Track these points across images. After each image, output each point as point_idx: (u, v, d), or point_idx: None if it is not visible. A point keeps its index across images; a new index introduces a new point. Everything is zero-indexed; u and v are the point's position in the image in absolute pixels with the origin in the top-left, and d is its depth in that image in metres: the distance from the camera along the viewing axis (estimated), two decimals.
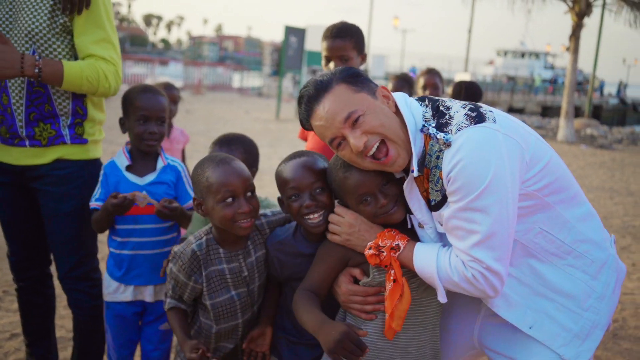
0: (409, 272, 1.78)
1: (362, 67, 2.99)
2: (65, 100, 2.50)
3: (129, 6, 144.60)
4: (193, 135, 4.23)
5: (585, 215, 1.77)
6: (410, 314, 1.80)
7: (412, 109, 1.74)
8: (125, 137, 2.59)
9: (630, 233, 7.13)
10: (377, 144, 1.67)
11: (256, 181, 1.99)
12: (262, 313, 2.10)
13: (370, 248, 1.76)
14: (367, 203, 1.79)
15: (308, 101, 1.72)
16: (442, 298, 1.74)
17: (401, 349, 1.85)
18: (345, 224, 1.83)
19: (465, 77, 19.00)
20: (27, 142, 2.49)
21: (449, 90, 4.67)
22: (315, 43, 16.99)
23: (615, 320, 4.37)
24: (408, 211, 1.82)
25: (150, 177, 2.51)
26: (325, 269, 1.89)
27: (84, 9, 2.41)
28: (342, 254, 1.87)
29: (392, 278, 1.75)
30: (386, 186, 1.78)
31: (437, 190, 1.69)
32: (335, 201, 1.93)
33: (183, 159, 4.15)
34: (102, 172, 2.52)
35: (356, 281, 1.87)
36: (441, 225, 1.73)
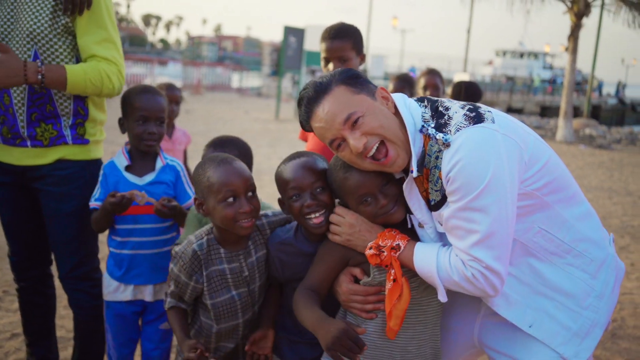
0: (410, 272, 1.79)
1: (361, 68, 3.00)
2: (66, 101, 2.51)
3: (128, 6, 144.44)
4: (192, 135, 4.22)
5: (584, 214, 1.78)
6: (410, 313, 1.81)
7: (411, 110, 1.75)
8: (125, 138, 2.60)
9: (629, 233, 7.14)
10: (377, 144, 1.68)
11: (255, 181, 1.99)
12: (264, 315, 2.10)
13: (370, 248, 1.77)
14: (367, 203, 1.80)
15: (308, 103, 1.73)
16: (442, 297, 1.74)
17: (401, 347, 1.86)
18: (346, 224, 1.84)
19: (465, 77, 19.01)
20: (28, 143, 2.50)
21: (448, 90, 4.68)
22: (314, 43, 16.97)
23: (614, 320, 4.38)
24: (408, 211, 1.83)
25: (149, 177, 2.52)
26: (325, 268, 1.89)
27: (85, 9, 2.42)
28: (343, 253, 1.88)
29: (392, 278, 1.76)
30: (386, 186, 1.79)
31: (436, 190, 1.70)
32: (336, 201, 1.94)
33: (185, 160, 4.13)
34: (101, 172, 2.53)
35: (357, 280, 1.88)
36: (441, 225, 1.74)
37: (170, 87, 4.05)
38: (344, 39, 2.71)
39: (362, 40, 2.81)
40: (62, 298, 3.27)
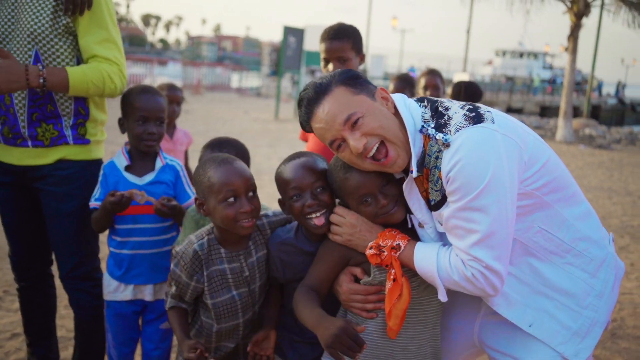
0: (410, 271, 1.80)
1: (360, 68, 3.00)
2: (67, 101, 2.51)
3: (128, 6, 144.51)
4: (192, 135, 4.21)
5: (584, 213, 1.79)
6: (410, 313, 1.82)
7: (411, 110, 1.76)
8: (125, 138, 2.61)
9: (629, 233, 7.14)
10: (377, 145, 1.69)
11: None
12: (266, 316, 2.10)
13: (371, 248, 1.78)
14: (367, 204, 1.80)
15: (308, 104, 1.74)
16: (442, 297, 1.75)
17: (402, 347, 1.87)
18: (346, 224, 1.85)
19: (464, 77, 19.02)
20: (29, 143, 2.50)
21: (448, 90, 4.68)
22: (314, 43, 16.99)
23: (614, 320, 4.39)
24: (408, 211, 1.83)
25: (149, 177, 2.52)
26: (325, 268, 1.90)
27: (85, 9, 2.42)
28: (343, 253, 1.88)
29: (392, 277, 1.77)
30: (386, 187, 1.79)
31: (436, 190, 1.70)
32: (336, 202, 1.95)
33: (186, 160, 4.12)
34: (101, 172, 2.54)
35: (357, 280, 1.89)
36: (441, 224, 1.74)
37: (171, 88, 4.05)
38: (344, 40, 2.72)
39: (361, 41, 2.82)
40: (62, 298, 3.27)
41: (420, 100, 1.80)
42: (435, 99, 1.80)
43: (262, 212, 2.07)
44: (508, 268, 1.69)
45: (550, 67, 69.68)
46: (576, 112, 25.82)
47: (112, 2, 2.57)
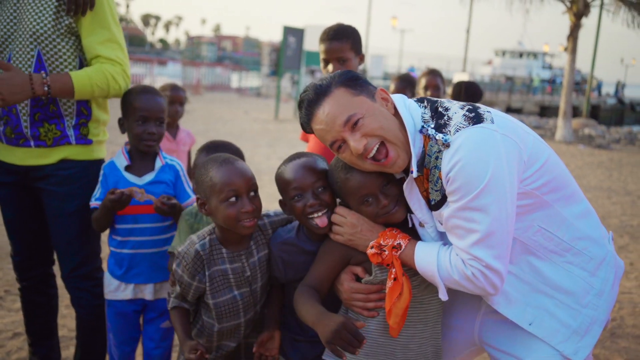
0: (411, 270, 1.81)
1: (360, 68, 3.01)
2: (69, 101, 2.52)
3: (127, 6, 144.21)
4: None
5: (583, 212, 1.79)
6: (411, 312, 1.83)
7: (411, 111, 1.77)
8: (125, 138, 2.62)
9: (628, 232, 7.15)
10: (377, 145, 1.70)
11: None
12: (268, 316, 2.11)
13: (372, 247, 1.79)
14: (368, 204, 1.81)
15: (308, 105, 1.75)
16: (443, 296, 1.76)
17: (403, 345, 1.88)
18: (347, 224, 1.86)
19: (464, 77, 19.04)
20: (32, 143, 2.51)
21: (449, 90, 4.68)
22: (313, 43, 16.97)
23: (613, 319, 4.39)
24: (409, 211, 1.84)
25: (149, 177, 2.53)
26: (326, 267, 1.91)
27: (88, 10, 2.43)
28: (344, 252, 1.89)
29: (392, 276, 1.78)
30: (387, 187, 1.80)
31: (436, 190, 1.71)
32: (337, 202, 1.96)
33: (189, 161, 4.11)
34: (101, 172, 2.55)
35: (358, 279, 1.89)
36: (441, 224, 1.75)
37: (174, 88, 4.04)
38: (343, 40, 2.72)
39: (360, 41, 2.83)
40: (64, 297, 3.27)
41: (420, 100, 1.81)
42: (435, 99, 1.81)
43: (263, 212, 2.08)
44: (508, 267, 1.70)
45: (550, 67, 69.67)
46: (575, 112, 25.81)
47: (114, 2, 2.57)
